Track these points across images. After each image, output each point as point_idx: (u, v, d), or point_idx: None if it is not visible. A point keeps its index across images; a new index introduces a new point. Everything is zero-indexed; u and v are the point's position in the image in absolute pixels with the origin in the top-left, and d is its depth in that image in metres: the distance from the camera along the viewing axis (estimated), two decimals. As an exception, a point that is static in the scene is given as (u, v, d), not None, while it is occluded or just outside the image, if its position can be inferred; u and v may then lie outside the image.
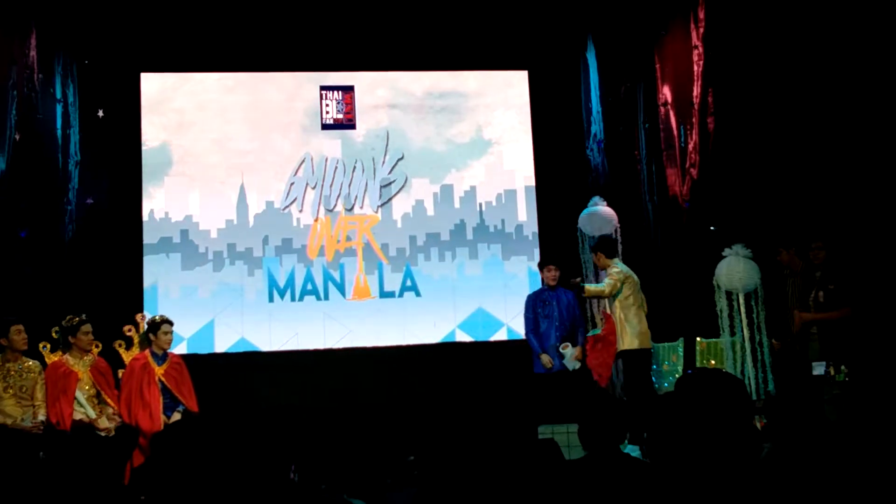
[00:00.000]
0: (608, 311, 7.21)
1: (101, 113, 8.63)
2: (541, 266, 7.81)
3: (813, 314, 6.56)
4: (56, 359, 6.79)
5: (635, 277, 7.11)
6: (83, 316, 6.71)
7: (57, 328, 6.93)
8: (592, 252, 7.50)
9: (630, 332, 6.93)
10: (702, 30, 8.51)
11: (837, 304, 6.44)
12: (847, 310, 6.37)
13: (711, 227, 7.99)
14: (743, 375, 7.12)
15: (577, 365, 7.38)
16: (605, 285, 7.05)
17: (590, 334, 7.46)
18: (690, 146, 8.52)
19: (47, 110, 8.34)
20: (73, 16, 8.41)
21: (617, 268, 7.12)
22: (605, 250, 7.28)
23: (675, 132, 8.75)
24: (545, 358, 7.42)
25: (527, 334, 7.72)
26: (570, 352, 7.43)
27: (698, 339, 7.65)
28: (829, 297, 6.46)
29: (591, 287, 7.22)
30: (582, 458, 3.50)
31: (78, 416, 6.47)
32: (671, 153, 8.79)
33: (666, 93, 8.86)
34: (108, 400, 6.66)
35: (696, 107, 8.42)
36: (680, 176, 8.66)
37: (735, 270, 7.14)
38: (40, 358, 6.82)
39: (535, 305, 7.70)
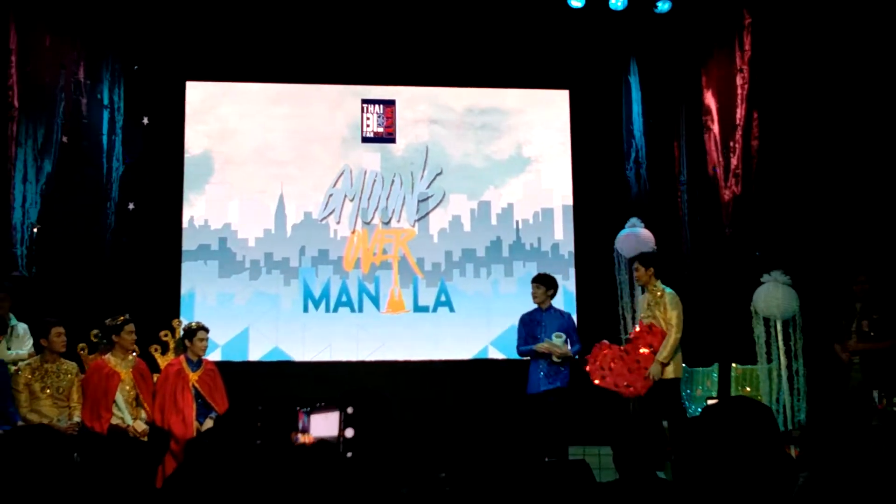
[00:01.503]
0: (648, 323, 6.84)
1: (146, 120, 8.75)
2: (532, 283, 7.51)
3: (859, 343, 6.50)
4: (95, 360, 6.86)
5: None
6: (127, 315, 6.79)
7: (96, 331, 7.03)
8: (641, 265, 7.02)
9: (672, 361, 6.80)
10: (747, 53, 8.49)
11: (883, 334, 6.38)
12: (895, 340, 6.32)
13: (757, 253, 7.91)
14: (778, 403, 7.04)
15: (557, 360, 7.06)
16: (675, 328, 6.71)
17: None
18: (733, 169, 8.48)
19: (94, 115, 8.50)
20: (122, 24, 8.55)
21: (671, 293, 6.89)
22: (653, 264, 6.98)
23: (719, 155, 8.71)
24: (543, 345, 7.11)
25: (517, 349, 7.47)
26: (560, 342, 7.11)
27: (734, 365, 7.57)
28: (874, 326, 6.39)
29: (669, 345, 6.71)
30: (614, 480, 3.48)
31: (115, 420, 6.54)
32: (714, 176, 8.74)
33: (710, 115, 8.83)
34: (145, 404, 6.73)
35: (739, 130, 8.39)
36: (722, 199, 8.62)
37: (773, 297, 7.06)
38: (78, 360, 6.91)
39: (525, 324, 7.41)
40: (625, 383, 6.73)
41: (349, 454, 3.28)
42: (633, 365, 6.77)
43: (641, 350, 6.78)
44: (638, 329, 6.92)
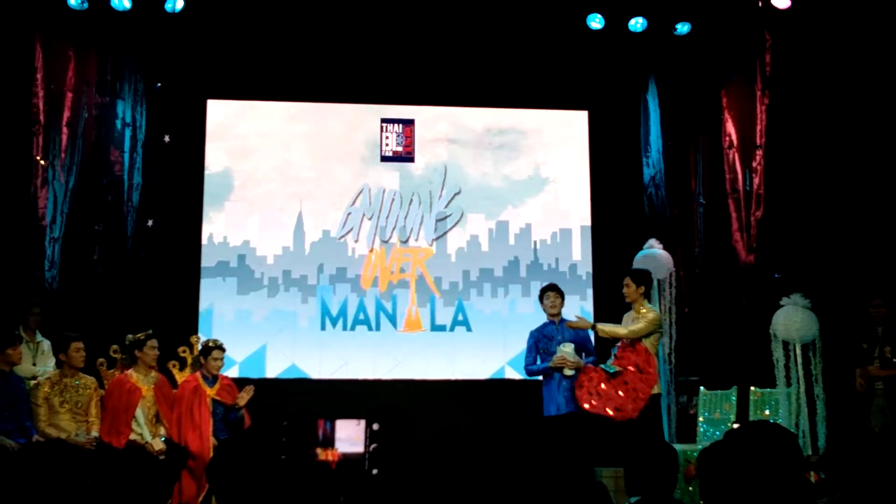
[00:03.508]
0: (637, 346, 6.68)
1: (167, 138, 8.82)
2: (541, 295, 7.18)
3: (883, 370, 6.44)
4: (115, 375, 6.89)
5: None
6: (150, 331, 6.83)
7: (116, 346, 7.07)
8: (633, 281, 6.86)
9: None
10: (768, 74, 8.49)
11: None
12: None
13: (776, 275, 7.87)
14: (797, 428, 6.97)
15: (571, 373, 6.73)
16: (637, 329, 6.63)
17: (610, 370, 6.71)
18: (755, 191, 8.46)
19: (116, 132, 8.58)
20: (145, 43, 8.65)
21: (655, 312, 6.83)
22: (645, 283, 6.92)
23: (740, 176, 8.70)
24: (556, 358, 6.75)
25: (526, 368, 7.19)
26: (570, 350, 6.75)
27: (753, 388, 7.51)
28: None
29: (616, 328, 6.72)
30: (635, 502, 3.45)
31: (133, 436, 6.56)
32: (735, 197, 8.72)
33: (730, 135, 8.82)
34: (165, 421, 6.75)
35: (761, 151, 8.38)
36: (744, 221, 8.60)
37: (793, 320, 6.99)
38: (97, 374, 6.94)
39: (537, 342, 7.10)
40: (615, 406, 6.57)
41: (374, 471, 3.28)
42: (620, 387, 6.60)
43: (629, 369, 6.64)
44: (622, 348, 6.75)
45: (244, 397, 7.03)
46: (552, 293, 7.12)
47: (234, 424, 6.99)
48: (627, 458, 3.49)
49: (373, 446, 3.26)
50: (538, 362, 7.08)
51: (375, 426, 3.24)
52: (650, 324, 6.71)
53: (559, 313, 7.10)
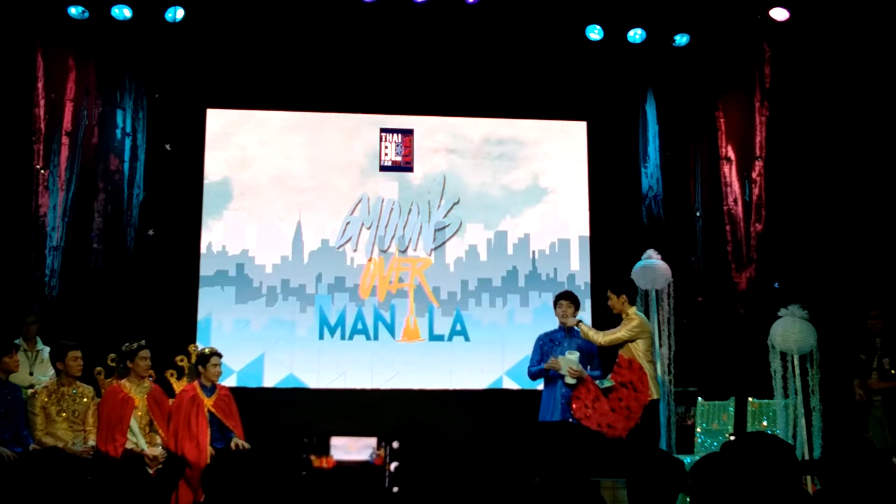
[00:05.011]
0: (628, 356, 6.73)
1: (168, 147, 8.84)
2: (555, 301, 7.17)
3: (881, 382, 6.45)
4: (111, 384, 6.89)
5: (650, 327, 6.96)
6: (143, 342, 6.83)
7: (114, 355, 7.06)
8: (613, 292, 6.92)
9: (650, 382, 6.75)
10: (767, 85, 8.52)
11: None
12: None
13: (775, 285, 7.89)
14: (795, 439, 6.97)
15: (571, 381, 6.70)
16: (615, 336, 6.69)
17: (602, 385, 6.78)
18: (754, 201, 8.48)
19: (116, 142, 8.60)
20: (145, 52, 8.68)
21: (639, 318, 6.83)
22: (629, 294, 6.95)
23: (738, 187, 8.72)
24: (554, 362, 6.75)
25: (529, 370, 7.18)
26: (574, 358, 6.73)
27: (750, 399, 7.51)
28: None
29: (595, 333, 6.76)
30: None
31: (129, 445, 6.55)
32: (734, 208, 8.74)
33: (729, 147, 8.85)
34: (160, 430, 6.74)
35: (760, 161, 8.40)
36: (742, 231, 8.62)
37: (791, 331, 6.99)
38: (94, 383, 6.94)
39: (542, 346, 7.11)
40: (607, 423, 6.61)
41: (395, 489, 3.28)
42: (615, 404, 6.65)
43: (623, 386, 6.67)
44: (618, 364, 6.78)
45: (239, 445, 6.94)
46: (565, 302, 7.09)
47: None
48: (630, 469, 3.49)
49: (392, 464, 3.26)
50: (538, 366, 7.07)
51: (395, 444, 3.24)
52: (630, 331, 6.74)
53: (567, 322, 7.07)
